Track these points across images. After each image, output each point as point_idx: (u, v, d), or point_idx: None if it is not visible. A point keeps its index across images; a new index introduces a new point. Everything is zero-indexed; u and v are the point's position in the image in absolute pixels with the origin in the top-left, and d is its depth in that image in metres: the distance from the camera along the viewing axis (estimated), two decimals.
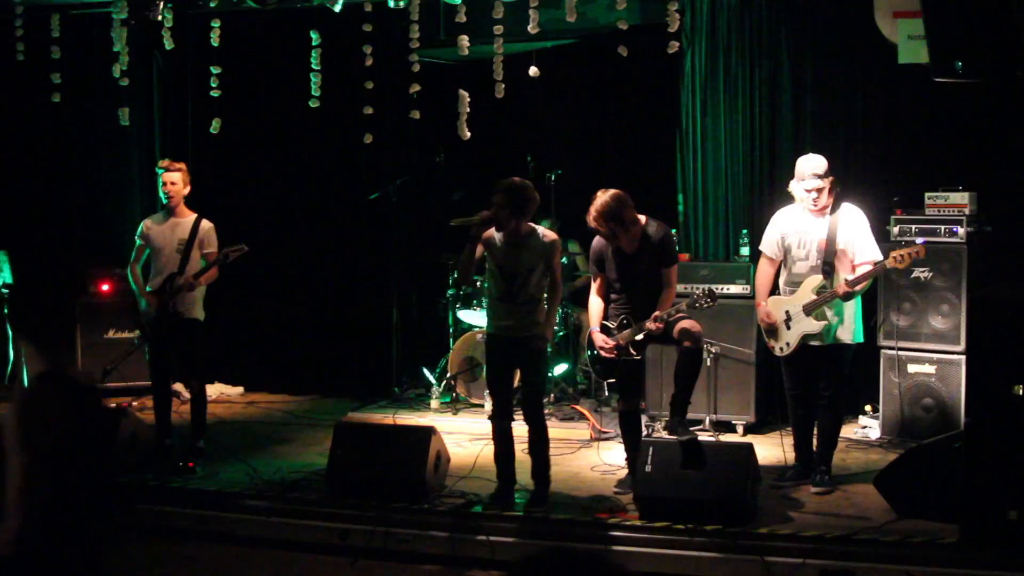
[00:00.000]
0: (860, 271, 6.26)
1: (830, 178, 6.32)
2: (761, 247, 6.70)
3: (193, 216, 7.30)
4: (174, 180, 7.18)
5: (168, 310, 7.11)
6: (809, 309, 6.31)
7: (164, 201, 7.27)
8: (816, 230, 6.39)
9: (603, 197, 6.17)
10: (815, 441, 6.60)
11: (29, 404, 3.29)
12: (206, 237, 7.26)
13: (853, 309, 6.39)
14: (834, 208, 6.38)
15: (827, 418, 6.48)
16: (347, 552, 6.02)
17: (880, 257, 6.27)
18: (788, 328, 6.42)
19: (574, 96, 9.38)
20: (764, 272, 6.64)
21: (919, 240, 6.41)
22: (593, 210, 6.17)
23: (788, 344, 6.43)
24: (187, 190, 7.27)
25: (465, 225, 6.16)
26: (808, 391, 6.49)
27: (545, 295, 6.32)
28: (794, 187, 6.42)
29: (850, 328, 6.37)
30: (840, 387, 6.44)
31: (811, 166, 6.33)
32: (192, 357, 7.30)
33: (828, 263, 6.31)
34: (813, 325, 6.32)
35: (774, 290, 6.62)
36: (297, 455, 7.37)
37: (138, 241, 7.40)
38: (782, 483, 6.53)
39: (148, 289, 7.24)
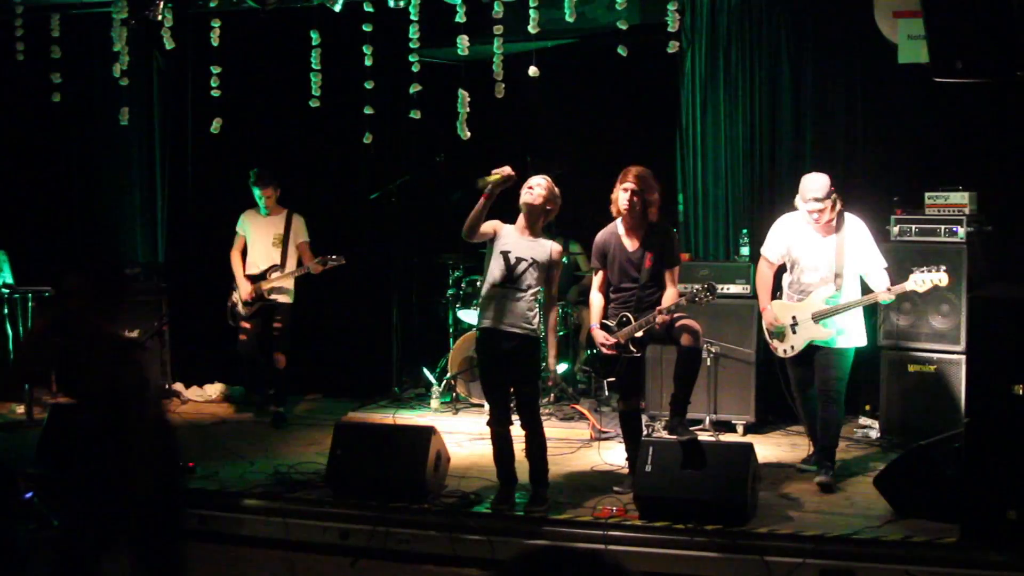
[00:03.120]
0: (899, 286, 6.36)
1: (830, 199, 6.43)
2: (764, 251, 6.80)
3: (285, 211, 8.49)
4: (269, 194, 8.40)
5: (264, 296, 8.35)
6: (818, 317, 6.48)
7: (264, 213, 8.45)
8: (825, 242, 6.53)
9: (643, 168, 6.31)
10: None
11: None
12: (298, 229, 8.46)
13: (860, 316, 6.55)
14: (839, 221, 6.53)
15: (829, 413, 6.54)
16: (347, 552, 6.02)
17: (885, 264, 6.51)
18: (794, 332, 6.56)
19: (574, 96, 9.38)
20: (765, 275, 6.77)
21: (942, 268, 6.43)
22: (632, 168, 6.28)
23: (793, 347, 6.59)
24: (278, 193, 8.45)
25: (484, 186, 6.09)
26: (812, 386, 6.64)
27: (541, 306, 6.29)
28: (798, 203, 6.55)
29: (855, 334, 6.53)
30: (842, 385, 6.53)
31: (811, 189, 6.45)
32: (283, 332, 8.39)
33: (839, 275, 6.48)
34: (821, 332, 6.50)
35: (775, 292, 6.76)
36: (297, 455, 7.36)
37: (239, 232, 8.57)
38: (807, 467, 6.73)
39: (247, 275, 8.43)
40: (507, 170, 6.04)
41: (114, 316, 4.58)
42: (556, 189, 6.27)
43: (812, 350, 6.54)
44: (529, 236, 6.20)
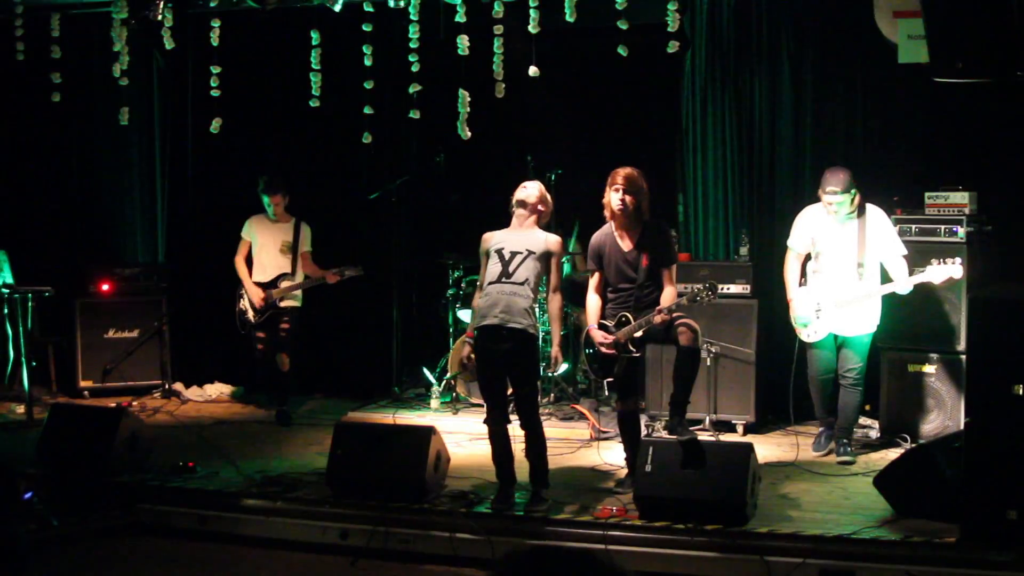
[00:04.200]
0: (917, 277, 6.72)
1: (848, 193, 6.76)
2: (790, 243, 7.14)
3: (293, 219, 8.57)
4: (278, 202, 8.48)
5: (276, 303, 8.41)
6: (840, 305, 6.84)
7: (272, 218, 8.51)
8: (847, 232, 6.86)
9: (630, 168, 6.33)
10: (836, 422, 7.13)
11: None
12: (304, 238, 8.56)
13: (878, 302, 6.92)
14: (860, 212, 6.86)
15: (848, 398, 7.02)
16: (347, 552, 6.02)
17: (904, 251, 6.85)
18: (818, 319, 6.96)
19: (574, 96, 9.38)
20: (793, 268, 7.13)
21: (956, 261, 6.76)
22: (620, 170, 6.29)
23: (816, 332, 6.99)
24: (287, 201, 8.51)
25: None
26: (830, 372, 7.05)
27: (541, 300, 6.31)
28: (821, 195, 6.89)
29: (872, 320, 6.91)
30: (862, 369, 6.99)
31: (831, 181, 6.80)
32: (288, 334, 8.46)
33: (861, 264, 6.83)
34: (842, 320, 6.88)
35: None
36: (297, 455, 7.36)
37: (244, 237, 8.58)
38: (818, 450, 7.11)
39: (255, 281, 8.47)
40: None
41: None
42: (548, 196, 6.36)
43: (834, 339, 6.98)
44: (522, 230, 6.24)
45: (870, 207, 6.89)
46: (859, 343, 6.97)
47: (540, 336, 6.37)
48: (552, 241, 6.24)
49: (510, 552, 2.13)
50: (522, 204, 6.25)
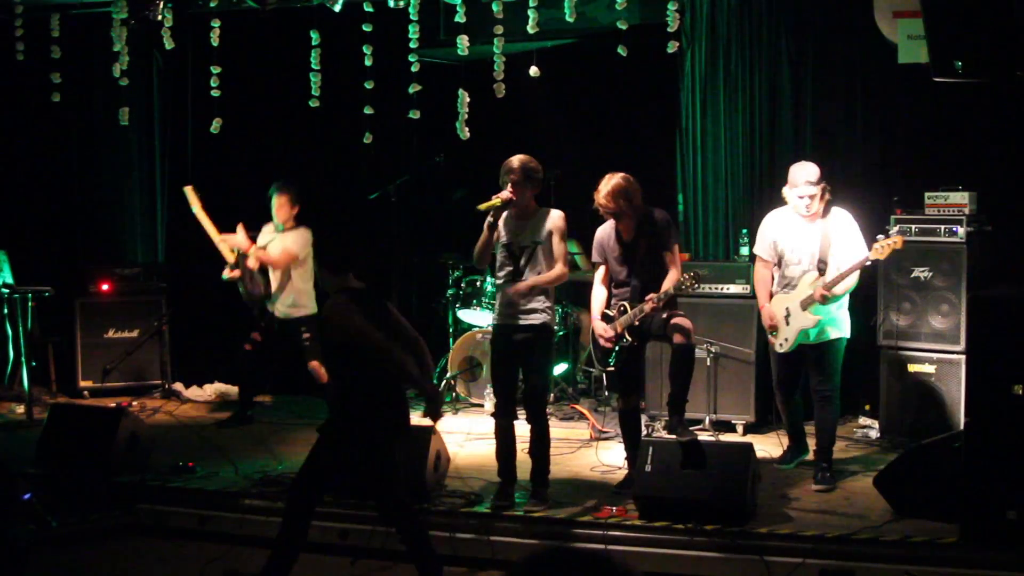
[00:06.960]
0: (840, 273, 6.38)
1: (821, 185, 6.45)
2: (756, 250, 6.86)
3: (304, 230, 8.04)
4: (282, 204, 7.97)
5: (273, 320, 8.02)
6: (805, 304, 6.46)
7: (279, 229, 8.07)
8: (810, 234, 6.53)
9: (614, 177, 6.24)
10: (814, 440, 6.65)
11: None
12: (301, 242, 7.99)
13: (844, 305, 6.55)
14: (825, 212, 6.53)
15: (825, 414, 6.55)
16: (347, 552, 6.02)
17: (868, 253, 6.39)
18: (787, 324, 6.57)
19: (574, 96, 9.38)
20: (762, 275, 6.79)
21: (895, 230, 6.57)
22: (603, 188, 6.21)
23: (787, 340, 6.57)
24: (295, 210, 8.01)
25: (488, 209, 6.14)
26: (796, 387, 6.72)
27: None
28: (788, 193, 6.56)
29: (841, 323, 6.53)
30: (835, 382, 6.54)
31: (804, 174, 6.46)
32: (313, 342, 7.93)
33: (823, 261, 6.47)
34: (809, 319, 6.46)
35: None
36: (297, 455, 7.35)
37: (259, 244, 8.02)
38: (783, 466, 6.77)
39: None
40: (506, 194, 6.09)
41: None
42: (528, 165, 6.16)
43: (802, 351, 6.58)
44: (524, 217, 6.20)
45: (836, 209, 6.56)
46: (831, 351, 6.50)
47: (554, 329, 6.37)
48: (553, 217, 6.19)
49: (530, 555, 2.12)
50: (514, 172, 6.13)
